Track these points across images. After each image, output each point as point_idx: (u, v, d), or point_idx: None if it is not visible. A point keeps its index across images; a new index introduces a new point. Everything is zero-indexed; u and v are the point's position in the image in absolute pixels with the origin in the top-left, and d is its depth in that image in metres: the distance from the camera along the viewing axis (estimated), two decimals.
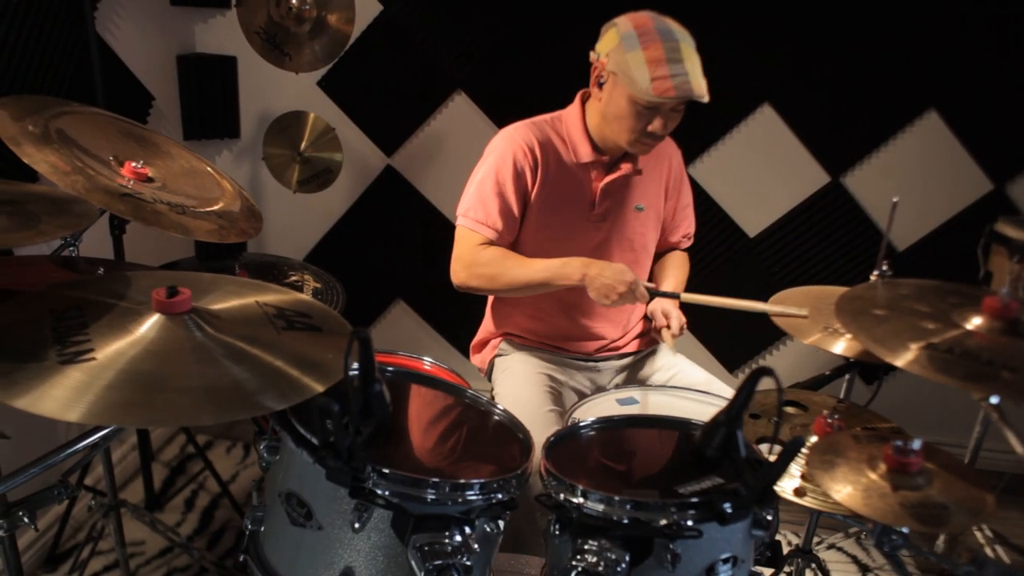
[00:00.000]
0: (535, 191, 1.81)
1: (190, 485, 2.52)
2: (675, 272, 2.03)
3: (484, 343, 2.08)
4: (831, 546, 2.44)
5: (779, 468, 0.98)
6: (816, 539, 2.49)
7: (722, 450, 1.05)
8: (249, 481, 2.56)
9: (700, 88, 1.64)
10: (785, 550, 1.84)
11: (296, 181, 2.62)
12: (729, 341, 2.90)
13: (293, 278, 1.97)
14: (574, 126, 1.83)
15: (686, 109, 1.72)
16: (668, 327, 1.87)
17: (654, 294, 1.81)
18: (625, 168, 1.84)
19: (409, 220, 2.86)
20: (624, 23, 1.69)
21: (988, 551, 2.08)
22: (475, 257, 1.80)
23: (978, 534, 2.14)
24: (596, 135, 1.82)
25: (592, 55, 1.76)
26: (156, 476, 2.50)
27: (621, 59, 1.66)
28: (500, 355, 2.02)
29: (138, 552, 2.20)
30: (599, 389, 1.95)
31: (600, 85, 1.74)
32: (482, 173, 1.82)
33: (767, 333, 2.87)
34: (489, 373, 2.05)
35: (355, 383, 1.00)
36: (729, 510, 1.04)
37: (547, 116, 1.88)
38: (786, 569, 1.84)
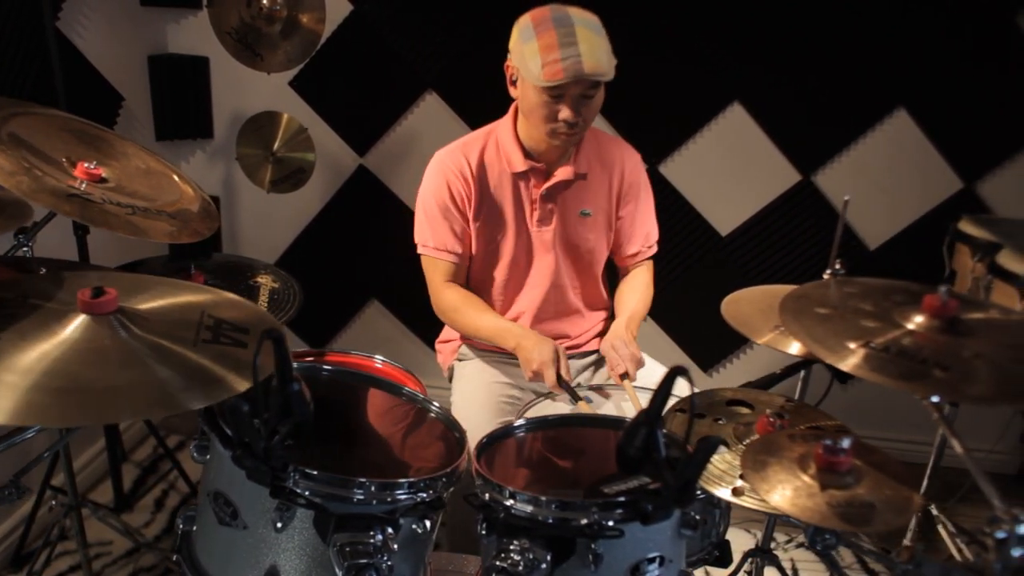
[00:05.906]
0: (473, 210, 1.84)
1: (160, 485, 2.53)
2: (633, 303, 1.96)
3: (446, 342, 2.08)
4: (800, 545, 2.44)
5: (694, 467, 0.98)
6: (786, 538, 2.48)
7: (644, 450, 1.05)
8: None
9: (593, 66, 1.61)
10: (747, 549, 1.86)
11: (269, 181, 2.62)
12: (703, 340, 2.90)
13: (255, 279, 1.98)
14: (506, 136, 1.84)
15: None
16: (625, 375, 1.79)
17: (565, 388, 1.72)
18: (562, 173, 1.83)
19: (382, 219, 2.86)
20: (524, 18, 1.70)
21: (952, 547, 2.08)
22: (439, 301, 1.91)
23: (941, 530, 2.14)
24: (527, 141, 1.82)
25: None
26: (127, 476, 2.51)
27: (519, 52, 1.68)
28: (460, 359, 2.02)
29: (105, 552, 2.21)
30: None
31: (514, 83, 1.76)
32: (424, 202, 1.87)
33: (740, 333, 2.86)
34: (450, 376, 2.05)
35: (274, 383, 1.00)
36: (650, 510, 1.04)
37: (481, 131, 1.89)
38: (745, 568, 1.84)
